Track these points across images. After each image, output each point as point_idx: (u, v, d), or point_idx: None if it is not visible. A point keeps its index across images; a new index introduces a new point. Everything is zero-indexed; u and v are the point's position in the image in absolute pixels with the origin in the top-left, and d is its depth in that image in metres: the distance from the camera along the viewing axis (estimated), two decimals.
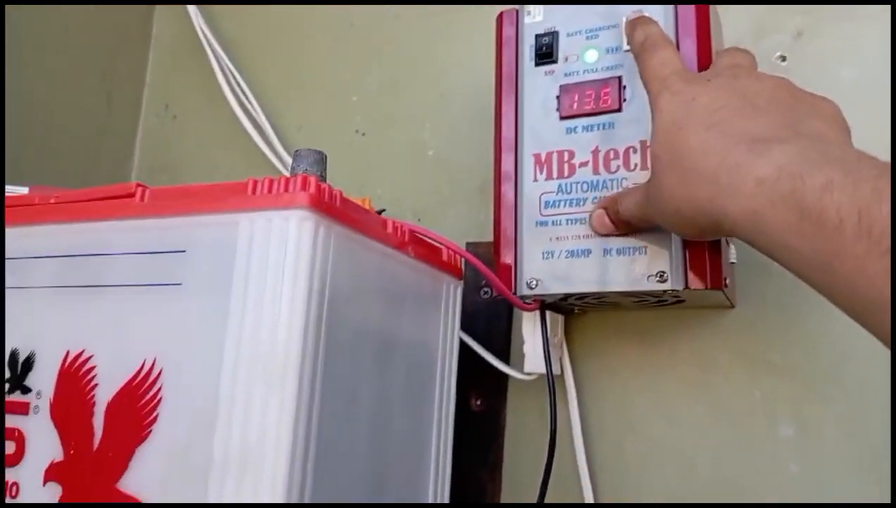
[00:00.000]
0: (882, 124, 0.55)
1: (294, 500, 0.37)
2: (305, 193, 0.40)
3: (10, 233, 0.47)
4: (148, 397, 0.41)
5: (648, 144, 0.49)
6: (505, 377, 0.64)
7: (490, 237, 0.56)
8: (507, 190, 0.56)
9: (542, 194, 0.55)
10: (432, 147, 0.73)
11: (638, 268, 0.51)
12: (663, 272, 0.50)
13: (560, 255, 0.54)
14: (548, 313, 0.58)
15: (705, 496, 0.56)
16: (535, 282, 0.54)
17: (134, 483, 0.40)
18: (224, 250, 0.41)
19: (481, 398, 0.64)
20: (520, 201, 0.56)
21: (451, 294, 0.55)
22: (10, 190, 0.54)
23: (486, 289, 0.66)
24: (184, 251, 0.42)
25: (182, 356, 0.40)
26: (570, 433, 0.60)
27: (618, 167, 0.53)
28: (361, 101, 0.77)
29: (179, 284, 0.41)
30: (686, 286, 0.50)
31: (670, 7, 0.53)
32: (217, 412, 0.38)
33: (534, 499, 0.61)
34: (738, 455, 0.55)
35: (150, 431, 0.40)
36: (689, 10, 0.52)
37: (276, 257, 0.39)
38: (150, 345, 0.41)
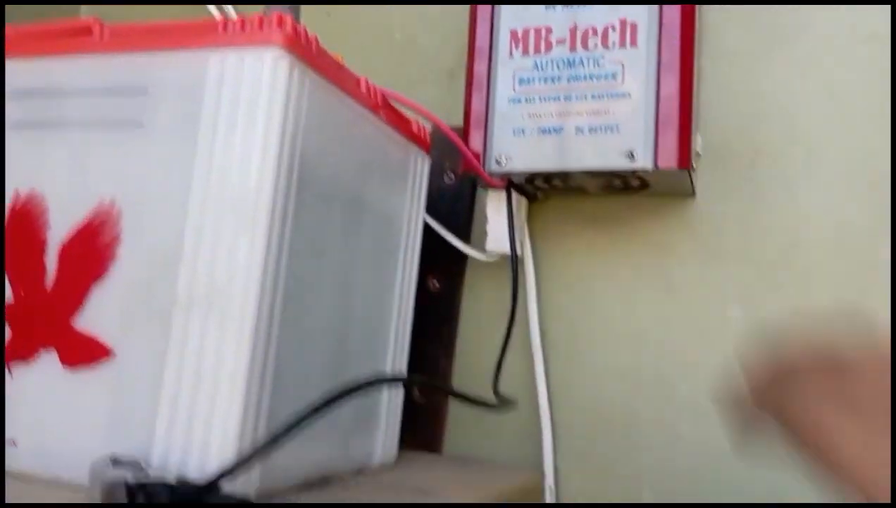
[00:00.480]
0: None
1: (261, 343, 0.37)
2: (281, 31, 0.38)
3: None
4: (106, 236, 0.39)
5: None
6: (464, 258, 0.64)
7: (459, 122, 0.55)
8: (480, 66, 0.55)
9: (516, 70, 0.54)
10: (399, 30, 0.71)
11: (609, 146, 0.51)
12: (633, 151, 0.51)
13: (531, 132, 0.53)
14: (513, 193, 0.58)
15: (653, 368, 0.58)
16: (504, 159, 0.54)
17: (91, 321, 0.39)
18: (190, 89, 0.39)
19: (439, 278, 0.65)
20: (493, 77, 0.55)
21: (419, 168, 0.54)
22: None
23: (450, 173, 0.65)
24: (145, 90, 0.40)
25: (144, 196, 0.39)
26: (525, 313, 0.61)
27: (595, 45, 0.53)
28: None
29: (141, 123, 0.39)
30: (655, 166, 0.50)
31: (654, 7, 0.51)
32: (182, 252, 0.38)
33: (483, 375, 0.62)
34: (686, 332, 0.58)
35: (108, 270, 0.39)
36: (674, 11, 0.51)
37: (248, 97, 0.38)
38: (109, 185, 0.40)
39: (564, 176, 0.55)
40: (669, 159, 0.50)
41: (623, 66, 0.52)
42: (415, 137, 0.53)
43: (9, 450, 0.39)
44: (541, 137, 0.53)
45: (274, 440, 0.28)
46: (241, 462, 0.34)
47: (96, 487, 0.33)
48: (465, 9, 0.58)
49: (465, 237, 0.64)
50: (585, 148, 0.52)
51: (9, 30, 0.43)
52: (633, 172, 0.52)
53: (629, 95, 0.51)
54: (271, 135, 0.38)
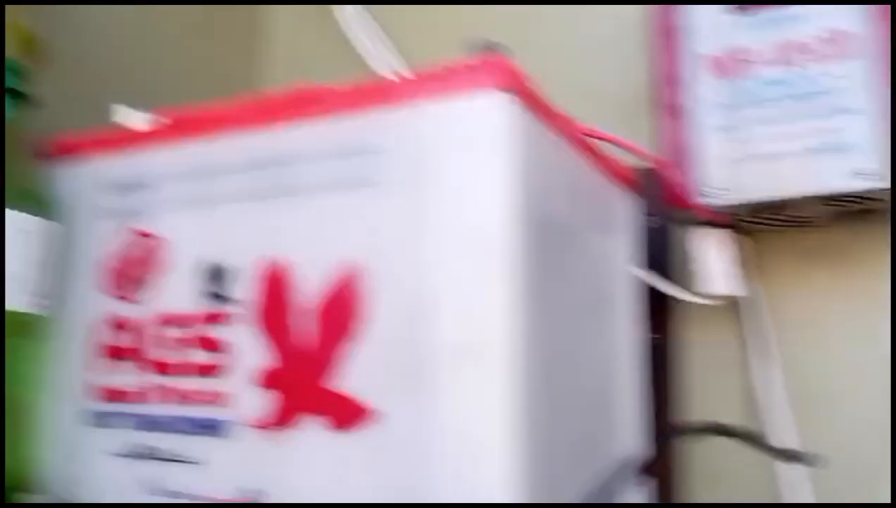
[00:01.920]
0: None
1: (520, 388, 0.36)
2: (504, 74, 0.38)
3: (189, 149, 0.47)
4: (355, 297, 0.40)
5: None
6: (670, 306, 0.61)
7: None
8: (676, 96, 0.54)
9: (718, 96, 0.52)
10: (574, 79, 0.70)
11: (835, 167, 0.48)
12: (863, 170, 0.47)
13: (745, 161, 0.51)
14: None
15: None
16: (716, 192, 0.52)
17: (349, 383, 0.39)
18: (419, 142, 0.39)
19: (658, 329, 0.61)
20: (691, 107, 0.53)
21: (625, 210, 0.53)
22: (128, 117, 0.54)
23: (652, 213, 0.63)
24: (377, 148, 0.41)
25: (386, 253, 0.40)
26: (743, 358, 0.57)
27: (806, 60, 0.50)
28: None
29: (374, 181, 0.40)
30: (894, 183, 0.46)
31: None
32: (430, 305, 0.38)
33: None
34: None
35: (359, 331, 0.39)
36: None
37: (478, 143, 0.38)
38: (351, 245, 0.41)
39: (782, 205, 0.52)
40: None
41: (843, 79, 0.49)
42: (620, 180, 0.52)
43: None
44: (756, 164, 0.50)
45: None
46: None
47: None
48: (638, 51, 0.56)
49: (679, 283, 0.60)
50: (809, 172, 0.49)
51: (234, 104, 0.46)
52: (864, 194, 0.48)
53: (852, 110, 0.48)
54: (503, 180, 0.37)
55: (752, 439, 0.29)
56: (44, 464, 0.48)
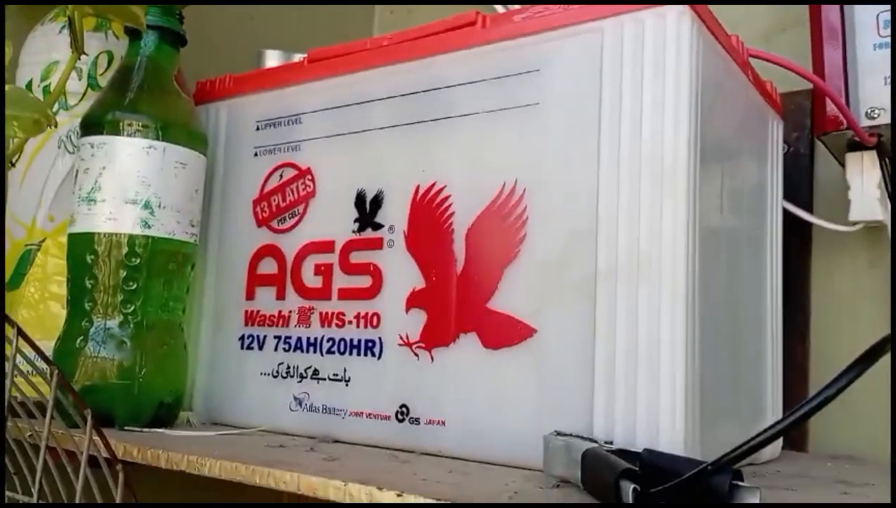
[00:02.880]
0: None
1: (690, 310, 0.35)
2: None
3: (342, 81, 0.47)
4: (513, 218, 0.40)
5: None
6: (809, 236, 0.59)
7: (786, 88, 0.51)
8: (832, 14, 0.50)
9: (879, 13, 0.49)
10: None
11: None
12: None
13: None
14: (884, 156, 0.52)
15: None
16: (876, 112, 0.49)
17: (506, 301, 0.40)
18: (587, 60, 0.39)
19: (784, 258, 0.60)
20: (848, 25, 0.50)
21: (776, 134, 0.51)
22: (283, 57, 0.55)
23: (784, 145, 0.60)
24: (538, 70, 0.40)
25: (547, 175, 0.39)
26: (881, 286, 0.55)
27: None
28: None
29: (537, 103, 0.40)
30: None
31: None
32: (597, 224, 0.37)
33: (843, 361, 0.56)
34: None
35: (519, 250, 0.39)
36: None
37: (652, 59, 0.37)
38: (509, 168, 0.40)
39: None
40: None
41: None
42: (772, 100, 0.50)
43: (436, 430, 0.41)
44: None
45: (804, 415, 0.24)
46: (754, 446, 0.28)
47: (557, 459, 0.33)
48: None
49: (809, 210, 0.58)
50: None
51: (392, 38, 0.46)
52: None
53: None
54: (682, 97, 0.36)
55: None
56: (196, 385, 0.50)
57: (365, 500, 0.30)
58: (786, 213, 0.57)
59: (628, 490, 0.26)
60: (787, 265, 0.59)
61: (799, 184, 0.60)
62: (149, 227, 0.45)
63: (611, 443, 0.33)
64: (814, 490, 0.38)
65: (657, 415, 0.34)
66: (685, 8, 0.37)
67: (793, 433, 0.57)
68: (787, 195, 0.58)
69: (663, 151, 0.36)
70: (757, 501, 0.27)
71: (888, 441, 0.55)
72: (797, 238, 0.59)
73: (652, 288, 0.35)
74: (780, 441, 0.48)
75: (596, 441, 0.33)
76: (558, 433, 0.35)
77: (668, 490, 0.26)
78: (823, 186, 0.59)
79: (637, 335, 0.35)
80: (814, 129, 0.52)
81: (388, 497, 0.29)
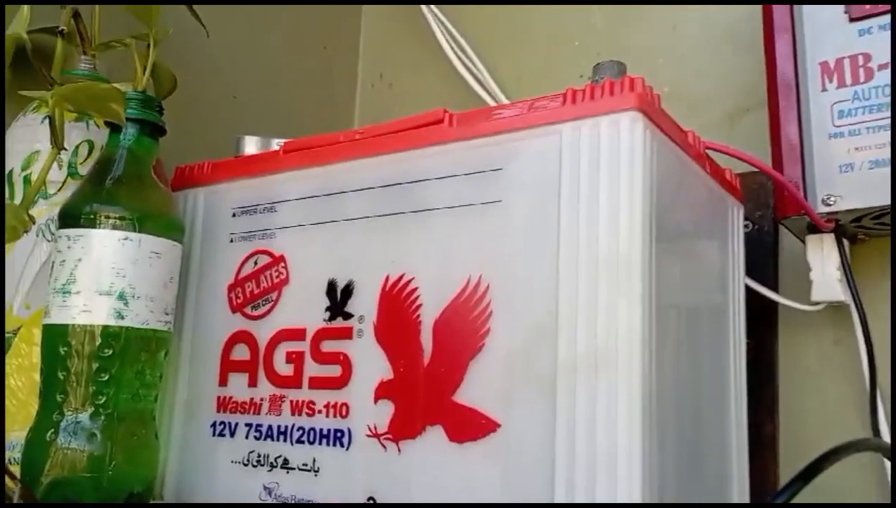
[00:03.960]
0: None
1: (647, 398, 0.36)
2: (634, 94, 0.39)
3: (316, 172, 0.49)
4: (477, 311, 0.41)
5: None
6: (776, 312, 0.60)
7: (748, 168, 0.53)
8: (788, 103, 0.53)
9: (833, 103, 0.51)
10: (667, 83, 0.70)
11: None
12: None
13: (861, 167, 0.50)
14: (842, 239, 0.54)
15: None
16: (832, 199, 0.50)
17: (471, 394, 0.40)
18: (545, 161, 0.40)
19: (750, 336, 0.61)
20: (804, 114, 0.52)
21: (736, 219, 0.52)
22: (261, 144, 0.57)
23: (746, 222, 0.62)
24: (501, 169, 0.42)
25: (510, 269, 0.40)
26: (858, 367, 0.56)
27: None
28: (584, 45, 0.76)
29: (500, 200, 0.41)
30: None
31: None
32: (558, 318, 0.38)
33: (815, 441, 0.57)
34: None
35: (484, 344, 0.40)
36: None
37: (608, 162, 0.38)
38: (474, 262, 0.42)
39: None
40: None
41: None
42: (730, 187, 0.51)
43: None
44: (873, 170, 0.49)
45: None
46: None
47: None
48: (731, 54, 0.56)
49: (773, 289, 0.60)
50: None
51: (363, 130, 0.48)
52: None
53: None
54: (635, 197, 0.38)
55: None
56: (171, 472, 0.50)
57: None
58: (751, 291, 0.58)
59: None
60: (755, 343, 0.61)
61: (763, 262, 0.61)
62: (122, 317, 0.46)
63: None
64: None
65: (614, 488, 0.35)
66: (638, 114, 0.38)
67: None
68: (752, 273, 0.59)
69: (618, 249, 0.37)
70: None
71: None
72: (763, 316, 0.61)
73: (609, 383, 0.36)
74: None
75: None
76: None
77: None
78: (789, 263, 0.61)
79: (595, 431, 0.36)
80: (775, 212, 0.54)
81: None
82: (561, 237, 0.39)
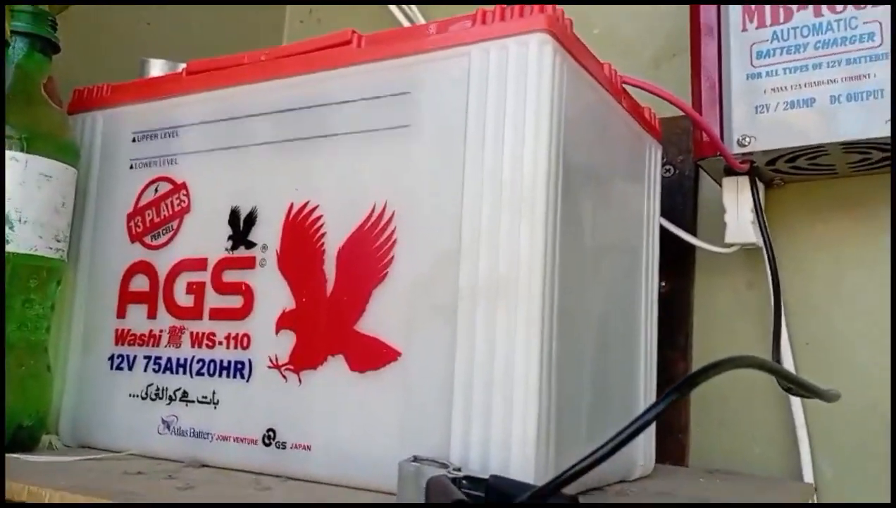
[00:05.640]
0: None
1: (546, 332, 0.36)
2: (543, 15, 0.37)
3: (219, 95, 0.46)
4: (382, 239, 0.40)
5: None
6: (692, 255, 0.61)
7: (675, 111, 0.52)
8: (709, 44, 0.52)
9: (752, 44, 0.51)
10: (599, 24, 0.69)
11: (871, 114, 0.47)
12: None
13: (777, 107, 0.50)
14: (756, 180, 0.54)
15: None
16: (747, 139, 0.50)
17: (373, 324, 0.39)
18: (453, 85, 0.39)
19: (666, 278, 0.61)
20: (724, 54, 0.52)
21: (653, 158, 0.52)
22: (167, 67, 0.54)
23: (667, 166, 0.62)
24: (409, 93, 0.40)
25: (415, 196, 0.39)
26: (767, 309, 0.57)
27: (844, 6, 0.48)
28: None
29: (407, 126, 0.40)
30: None
31: None
32: (460, 246, 0.37)
33: (724, 380, 0.58)
34: None
35: (387, 273, 0.39)
36: None
37: (515, 86, 0.37)
38: (379, 189, 0.40)
39: (814, 154, 0.51)
40: None
41: (881, 24, 0.47)
42: (648, 126, 0.51)
43: (302, 455, 0.40)
44: (789, 111, 0.49)
45: (602, 457, 0.25)
46: (564, 481, 0.30)
47: (408, 487, 0.33)
48: None
49: (692, 233, 0.60)
50: (843, 119, 0.48)
51: (268, 51, 0.45)
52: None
53: (882, 56, 0.47)
54: (542, 122, 0.37)
55: (780, 371, 0.29)
56: (62, 406, 0.48)
57: None
58: (671, 235, 0.58)
59: None
60: (672, 286, 0.61)
61: (683, 206, 0.62)
62: (7, 242, 0.43)
63: (459, 470, 0.33)
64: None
65: (509, 441, 0.35)
66: (547, 37, 0.37)
67: (673, 449, 0.58)
68: (672, 217, 0.60)
69: (523, 176, 0.36)
70: None
71: (763, 456, 0.57)
72: (681, 260, 0.61)
73: (509, 312, 0.36)
74: (651, 458, 0.49)
75: (447, 467, 0.33)
76: (416, 459, 0.35)
77: None
78: (708, 208, 0.61)
79: (493, 360, 0.36)
80: (693, 154, 0.53)
81: None
82: (466, 165, 0.38)
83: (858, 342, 0.55)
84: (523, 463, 0.34)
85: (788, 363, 0.56)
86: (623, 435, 0.24)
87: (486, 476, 0.32)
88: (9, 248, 0.43)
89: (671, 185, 0.62)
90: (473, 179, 0.37)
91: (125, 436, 0.46)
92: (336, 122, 0.42)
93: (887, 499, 0.52)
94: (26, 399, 0.44)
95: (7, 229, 0.43)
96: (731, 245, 0.56)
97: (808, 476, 0.54)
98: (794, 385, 0.36)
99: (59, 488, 0.34)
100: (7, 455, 0.42)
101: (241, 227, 0.44)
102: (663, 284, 0.61)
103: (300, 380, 0.41)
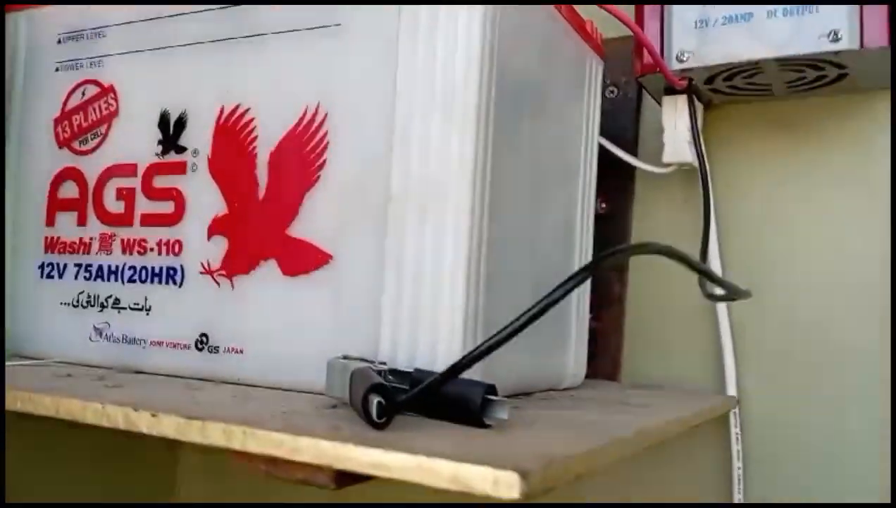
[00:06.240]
0: None
1: (475, 238, 0.36)
2: None
3: None
4: (314, 142, 0.39)
5: None
6: (632, 177, 0.62)
7: (620, 32, 0.52)
8: None
9: None
10: None
11: (807, 28, 0.47)
12: (837, 31, 0.46)
13: (714, 23, 0.50)
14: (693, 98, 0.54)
15: (855, 280, 0.54)
16: (685, 55, 0.51)
17: (305, 228, 0.39)
18: None
19: (606, 199, 0.62)
20: None
21: (594, 74, 0.52)
22: None
23: (611, 88, 0.62)
24: None
25: (347, 99, 0.39)
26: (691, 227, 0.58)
27: None
28: None
29: (339, 24, 0.39)
30: (862, 44, 0.46)
31: None
32: (392, 150, 0.37)
33: (660, 300, 0.60)
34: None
35: (319, 176, 0.39)
36: None
37: None
38: (311, 91, 0.39)
39: (751, 72, 0.51)
40: (877, 37, 0.46)
41: None
42: (590, 40, 0.51)
43: (234, 359, 0.40)
44: (726, 26, 0.49)
45: (513, 332, 0.26)
46: (476, 356, 0.32)
47: (335, 380, 0.33)
48: None
49: (633, 152, 0.61)
50: (780, 33, 0.48)
51: None
52: (835, 57, 0.48)
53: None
54: (474, 27, 0.36)
55: (686, 259, 0.30)
56: None
57: (121, 423, 0.29)
58: (612, 156, 0.59)
59: (373, 402, 0.26)
60: (612, 206, 0.62)
61: (625, 126, 0.62)
62: None
63: (384, 364, 0.34)
64: (591, 408, 0.40)
65: (436, 341, 0.35)
66: None
67: (605, 367, 0.60)
68: (614, 137, 0.60)
69: (455, 82, 0.36)
70: (505, 416, 0.29)
71: (697, 376, 0.59)
72: (621, 180, 0.62)
73: (438, 216, 0.36)
74: (582, 369, 0.50)
75: (372, 363, 0.34)
76: (345, 357, 0.35)
77: (411, 400, 0.27)
78: (649, 129, 0.62)
79: (423, 264, 0.36)
80: (633, 71, 0.54)
81: (143, 417, 0.28)
82: (399, 67, 0.37)
83: (789, 261, 0.57)
84: (449, 361, 0.35)
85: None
86: (533, 311, 0.24)
87: (411, 370, 0.32)
88: None
89: (616, 106, 0.62)
90: (405, 82, 0.37)
91: (56, 344, 0.45)
92: (266, 21, 0.41)
93: (806, 411, 0.55)
94: None
95: None
96: (669, 165, 0.57)
97: (732, 390, 0.57)
98: (703, 276, 0.37)
99: None
100: None
101: (171, 131, 0.43)
102: (603, 205, 0.62)
103: (233, 285, 0.41)
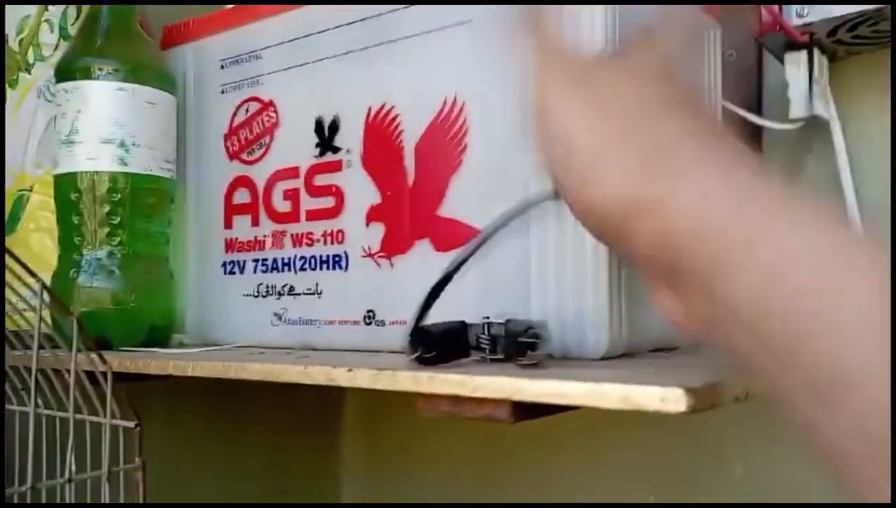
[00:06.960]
0: None
1: None
2: None
3: (293, 15, 0.50)
4: (454, 130, 0.43)
5: None
6: (758, 137, 0.62)
7: None
8: None
9: None
10: None
11: None
12: None
13: None
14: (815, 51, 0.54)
15: None
16: (805, 10, 0.51)
17: (453, 208, 0.43)
18: None
19: None
20: None
21: (713, 39, 0.53)
22: None
23: (731, 52, 0.63)
24: None
25: (481, 86, 0.42)
26: (839, 183, 0.58)
27: None
28: None
29: (471, 20, 0.43)
30: None
31: None
32: (528, 129, 0.40)
33: None
34: None
35: (462, 160, 0.43)
36: None
37: None
38: (448, 84, 0.43)
39: (876, 21, 0.51)
40: None
41: None
42: (705, 6, 0.52)
43: (399, 330, 0.45)
44: None
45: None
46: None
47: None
48: None
49: (757, 112, 0.61)
50: None
51: None
52: None
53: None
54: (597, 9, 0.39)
55: None
56: (186, 310, 0.55)
57: (322, 379, 0.34)
58: (736, 117, 0.59)
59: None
60: None
61: (747, 88, 0.62)
62: (125, 164, 0.49)
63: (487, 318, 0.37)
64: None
65: (583, 307, 0.38)
66: None
67: None
68: (737, 99, 0.61)
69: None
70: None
71: None
72: (746, 140, 0.62)
73: None
74: None
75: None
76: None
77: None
78: (771, 88, 0.62)
79: (565, 230, 0.39)
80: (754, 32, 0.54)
81: (341, 373, 0.33)
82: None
83: None
84: (596, 326, 0.38)
85: (857, 227, 0.57)
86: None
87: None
88: (127, 169, 0.49)
89: (735, 68, 0.63)
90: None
91: (242, 331, 0.52)
92: (402, 26, 0.45)
93: None
94: (155, 303, 0.51)
95: (123, 152, 0.49)
96: (796, 120, 0.57)
97: None
98: None
99: (197, 359, 0.39)
100: (145, 349, 0.48)
101: (326, 134, 0.48)
102: None
103: (392, 265, 0.45)
